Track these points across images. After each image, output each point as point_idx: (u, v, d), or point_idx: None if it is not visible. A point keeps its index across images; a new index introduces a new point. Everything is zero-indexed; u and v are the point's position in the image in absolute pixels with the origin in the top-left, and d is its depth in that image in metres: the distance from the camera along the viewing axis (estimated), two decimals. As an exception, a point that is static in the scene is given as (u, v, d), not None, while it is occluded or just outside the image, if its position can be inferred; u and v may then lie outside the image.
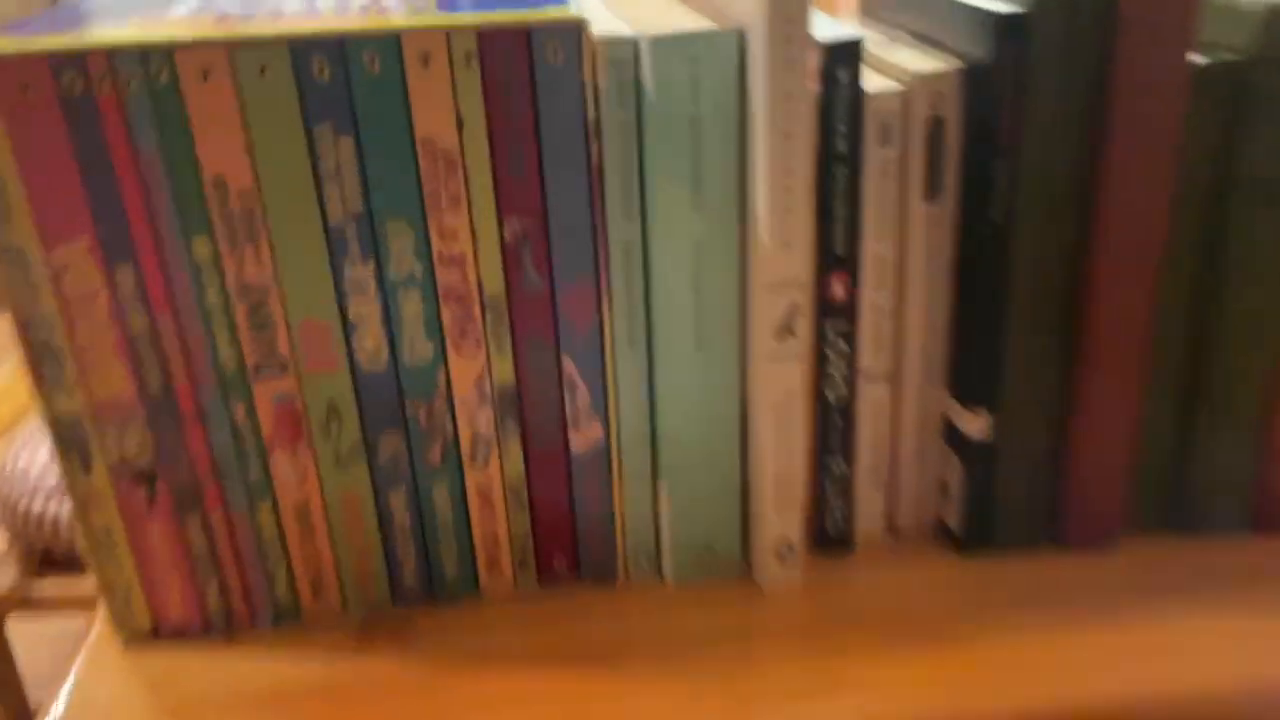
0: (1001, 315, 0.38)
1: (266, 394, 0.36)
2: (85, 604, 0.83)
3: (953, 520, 0.42)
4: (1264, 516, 0.42)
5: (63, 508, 0.83)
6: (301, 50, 0.32)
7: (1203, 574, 0.41)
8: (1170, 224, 0.37)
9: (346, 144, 0.33)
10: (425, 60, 0.32)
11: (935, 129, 0.36)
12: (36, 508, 0.84)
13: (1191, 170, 0.36)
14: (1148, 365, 0.39)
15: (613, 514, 0.40)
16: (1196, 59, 0.35)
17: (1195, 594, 0.40)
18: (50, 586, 0.83)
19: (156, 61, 0.31)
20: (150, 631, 0.39)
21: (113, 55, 0.31)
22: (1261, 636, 0.38)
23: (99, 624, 0.41)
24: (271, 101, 0.32)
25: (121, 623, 0.39)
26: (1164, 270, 0.38)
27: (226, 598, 0.39)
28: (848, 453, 0.41)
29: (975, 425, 0.40)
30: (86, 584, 0.83)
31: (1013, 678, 0.37)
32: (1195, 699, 0.37)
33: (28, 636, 1.40)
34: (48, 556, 0.86)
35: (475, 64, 0.33)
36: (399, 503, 0.38)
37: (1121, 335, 0.38)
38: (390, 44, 0.32)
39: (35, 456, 0.88)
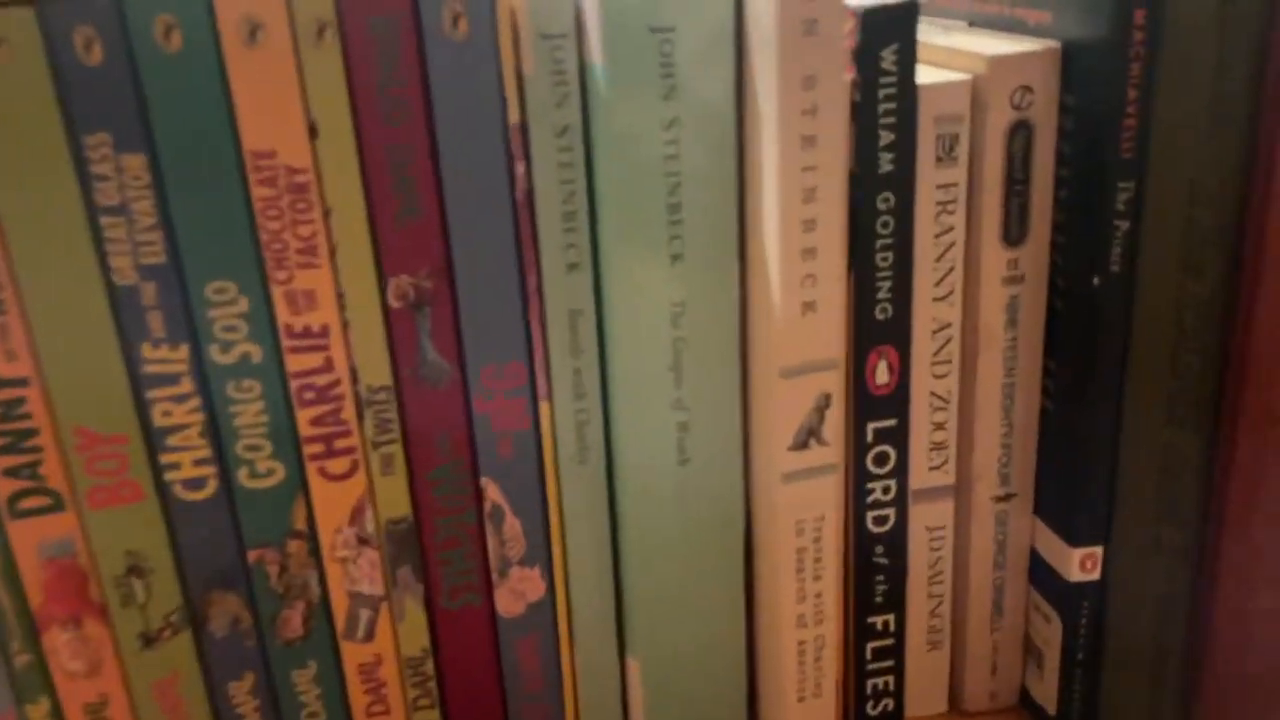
0: (1118, 407, 0.26)
1: (31, 542, 0.24)
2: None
3: (1044, 695, 0.30)
4: None
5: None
6: (56, 16, 0.21)
7: None
8: (1358, 273, 0.25)
9: (135, 163, 0.22)
10: (253, 34, 0.21)
11: (1020, 138, 0.25)
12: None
13: (1388, 195, 0.25)
14: (1327, 475, 0.27)
15: (562, 701, 0.28)
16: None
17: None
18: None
19: None
20: None
21: None
22: None
23: None
24: (16, 98, 0.21)
25: None
26: (1346, 339, 0.26)
27: (-5, 835, 0.27)
28: (897, 605, 0.29)
29: (1079, 564, 0.28)
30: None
31: None
32: None
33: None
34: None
35: (333, 38, 0.21)
36: (243, 695, 0.26)
37: (1293, 434, 0.26)
38: (197, 9, 0.21)
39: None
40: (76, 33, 0.21)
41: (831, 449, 0.25)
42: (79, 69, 0.21)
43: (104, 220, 0.22)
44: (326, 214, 0.23)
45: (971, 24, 0.30)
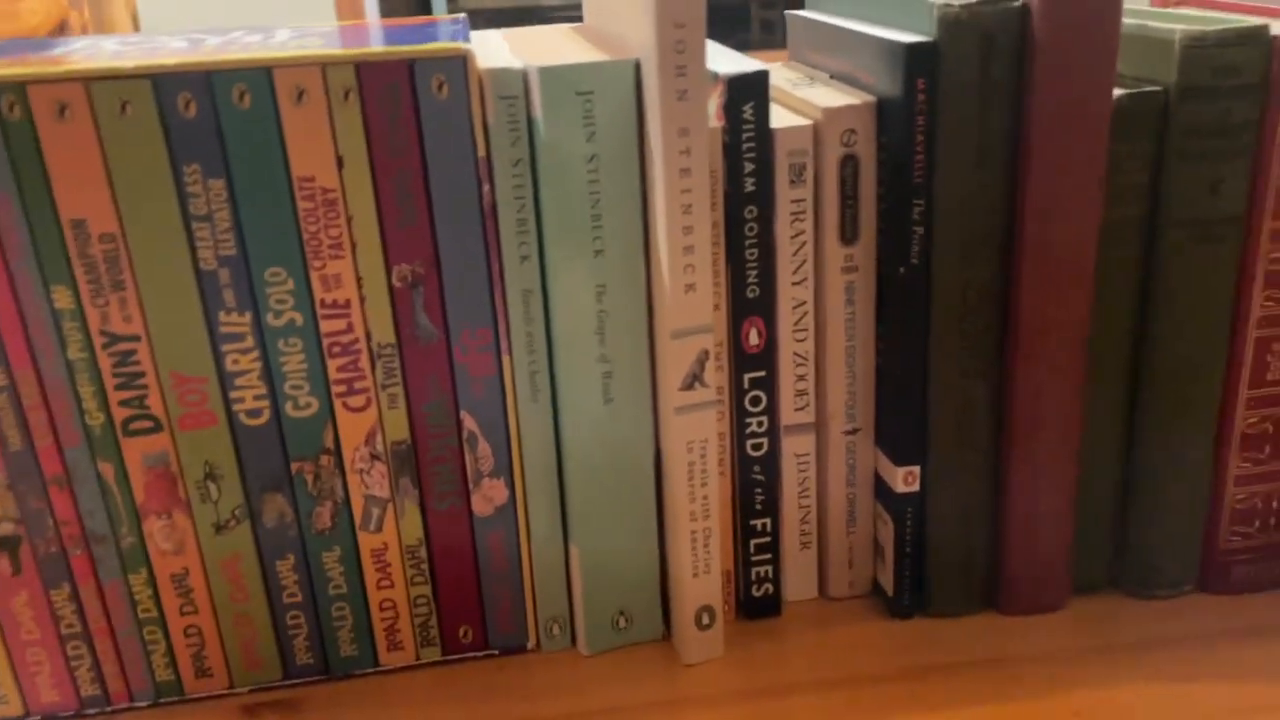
0: (926, 362, 0.36)
1: (137, 454, 0.33)
2: None
3: (886, 582, 0.39)
4: (1211, 573, 0.39)
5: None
6: (165, 85, 0.30)
7: (1150, 637, 0.38)
8: (1101, 261, 0.35)
9: (217, 185, 0.31)
10: (300, 96, 0.31)
11: (849, 166, 0.35)
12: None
13: (1123, 205, 0.35)
14: (1082, 413, 0.37)
15: (521, 580, 0.37)
16: (1116, 91, 0.34)
17: (1142, 657, 0.37)
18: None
19: (8, 97, 0.29)
20: (20, 715, 0.36)
21: (-39, 92, 0.29)
22: (1212, 701, 0.35)
23: (-35, 706, 0.38)
24: (134, 140, 0.30)
25: (-13, 705, 0.36)
26: (1099, 309, 0.36)
27: (101, 676, 0.36)
28: (772, 511, 0.38)
29: (904, 480, 0.37)
30: None
31: (948, 754, 0.34)
32: (1147, 774, 0.34)
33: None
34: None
35: (354, 99, 0.31)
36: (287, 571, 0.36)
37: (1055, 380, 0.36)
38: (261, 78, 0.30)
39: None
40: (179, 96, 0.30)
41: (710, 390, 0.34)
42: (180, 120, 0.30)
43: (194, 225, 0.31)
44: (349, 220, 0.32)
45: (832, 77, 0.39)
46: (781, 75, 0.41)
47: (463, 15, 0.41)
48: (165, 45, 0.34)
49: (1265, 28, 0.33)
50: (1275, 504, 0.39)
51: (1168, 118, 0.34)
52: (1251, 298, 0.36)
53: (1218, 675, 0.37)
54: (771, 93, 0.39)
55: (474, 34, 0.42)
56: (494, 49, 0.37)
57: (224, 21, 2.98)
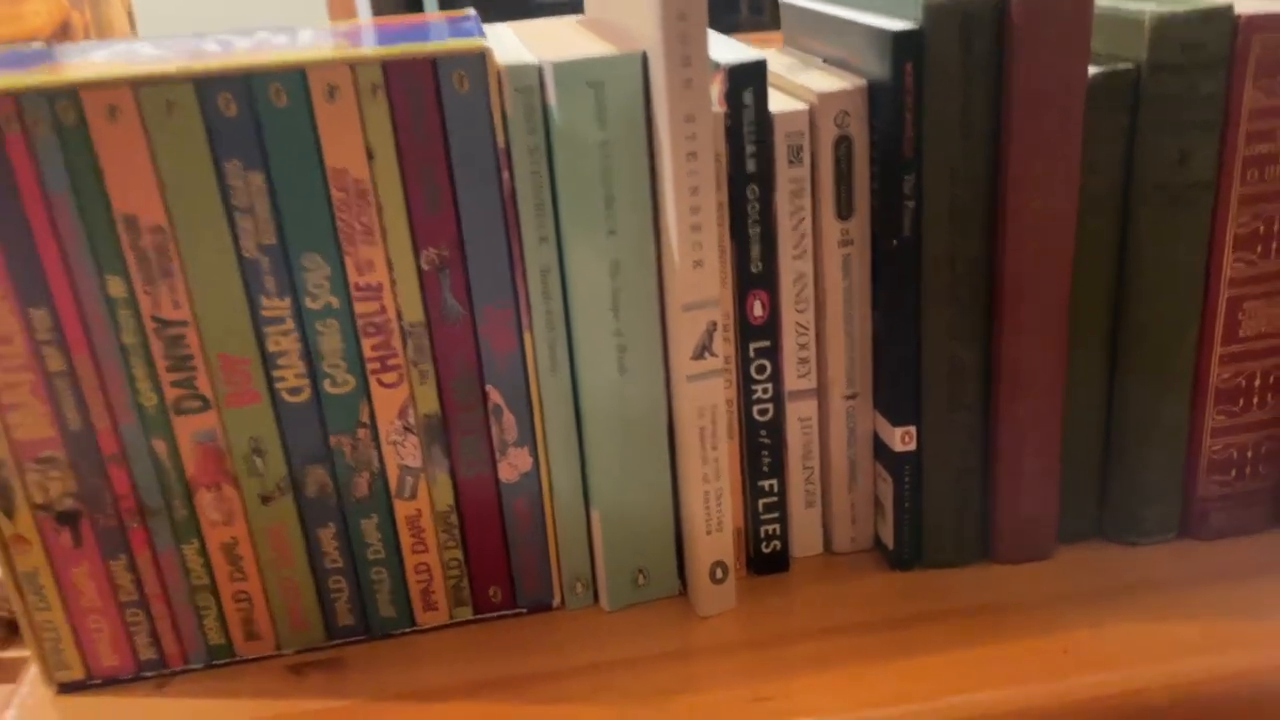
0: (918, 329, 0.38)
1: (188, 431, 0.36)
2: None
3: (887, 536, 0.42)
4: (1193, 520, 0.42)
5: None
6: (207, 86, 0.32)
7: (1134, 581, 0.41)
8: (1081, 229, 0.38)
9: (257, 178, 0.33)
10: (331, 93, 0.33)
11: (843, 147, 0.37)
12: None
13: (1100, 175, 0.37)
14: (1065, 374, 0.39)
15: (546, 542, 0.40)
16: (1091, 69, 0.36)
17: (1125, 600, 0.40)
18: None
19: (63, 102, 0.32)
20: (82, 678, 0.39)
21: (19, 98, 0.31)
22: (1191, 639, 0.38)
23: (30, 673, 0.40)
24: (180, 138, 0.33)
25: (52, 670, 0.39)
26: (1079, 275, 0.38)
27: (158, 640, 0.39)
28: (778, 472, 0.41)
29: (901, 440, 0.40)
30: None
31: (943, 688, 0.37)
32: (1126, 701, 0.37)
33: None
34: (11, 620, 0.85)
35: (382, 95, 0.33)
36: (328, 538, 0.38)
37: (1039, 344, 0.38)
38: (296, 78, 0.33)
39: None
40: (220, 96, 0.32)
41: (719, 359, 0.37)
42: (221, 118, 0.33)
43: (236, 216, 0.34)
44: (379, 209, 0.35)
45: (825, 61, 0.41)
46: (778, 60, 0.43)
47: (472, 11, 0.43)
48: (200, 48, 0.36)
49: (1229, 7, 0.35)
50: (1250, 454, 0.41)
51: (1139, 93, 0.36)
52: (1223, 259, 0.38)
53: (1195, 615, 0.39)
54: (769, 78, 0.41)
55: (485, 28, 0.44)
56: (507, 43, 0.39)
57: (218, 20, 2.99)
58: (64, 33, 1.15)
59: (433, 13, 0.43)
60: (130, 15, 1.22)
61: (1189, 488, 0.42)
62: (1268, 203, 0.37)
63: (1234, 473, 0.41)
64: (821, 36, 0.42)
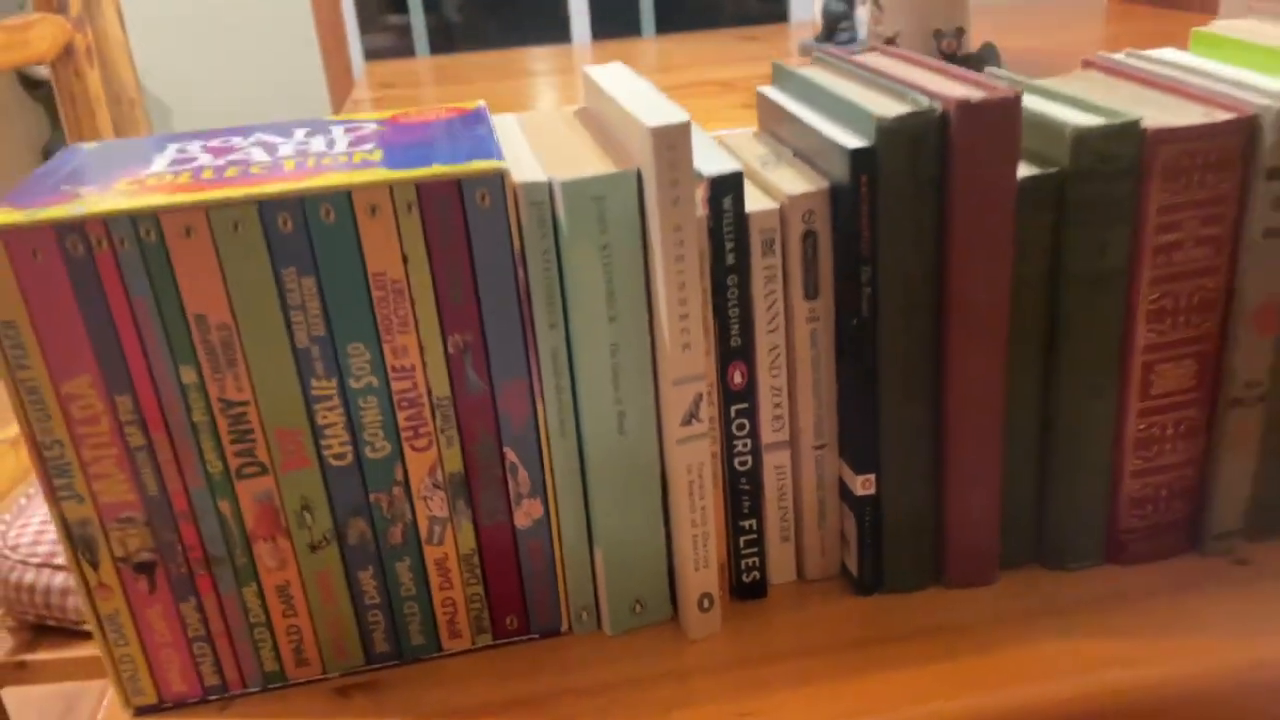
0: (876, 392, 0.44)
1: (248, 493, 0.42)
2: (78, 671, 0.87)
3: (852, 565, 0.48)
4: (1115, 548, 0.48)
5: (55, 578, 0.88)
6: (268, 208, 0.38)
7: (1065, 603, 0.47)
8: (1015, 308, 0.44)
9: (309, 282, 0.39)
10: (373, 210, 0.39)
11: (809, 240, 0.43)
12: (29, 578, 0.88)
13: (1030, 263, 0.43)
14: (1004, 427, 0.46)
15: (556, 577, 0.46)
16: (1025, 170, 0.42)
17: (1058, 621, 0.47)
18: (46, 655, 0.88)
19: (145, 224, 0.37)
20: (155, 703, 0.45)
21: (108, 221, 0.37)
22: (1116, 652, 0.44)
23: (108, 698, 0.46)
24: (244, 250, 0.38)
25: (130, 695, 0.44)
26: (1014, 344, 0.44)
27: (221, 668, 0.45)
28: (757, 513, 0.47)
29: (862, 485, 0.46)
30: (79, 652, 0.87)
31: (902, 698, 0.43)
32: (1057, 710, 0.43)
33: (16, 700, 1.43)
34: (41, 625, 0.91)
35: (415, 211, 0.39)
36: (368, 579, 0.44)
37: (979, 403, 0.44)
38: (343, 198, 0.38)
39: (27, 528, 0.92)
40: (279, 216, 0.38)
41: (705, 424, 0.43)
42: (279, 234, 0.38)
43: (291, 313, 0.39)
44: (413, 303, 0.40)
45: (795, 154, 0.47)
46: (753, 149, 0.49)
47: (483, 104, 0.48)
48: (246, 154, 0.42)
49: (1137, 122, 0.41)
50: (1164, 491, 0.48)
51: (1063, 194, 0.42)
52: (1136, 331, 0.44)
53: (1117, 632, 0.46)
54: (745, 165, 0.47)
55: (493, 118, 0.49)
56: (517, 146, 0.44)
57: (209, 38, 3.01)
58: (68, 55, 1.19)
59: (442, 109, 0.48)
60: (127, 43, 1.26)
61: (1112, 521, 0.48)
62: (1174, 283, 0.43)
63: (1150, 507, 0.48)
64: (792, 132, 0.47)
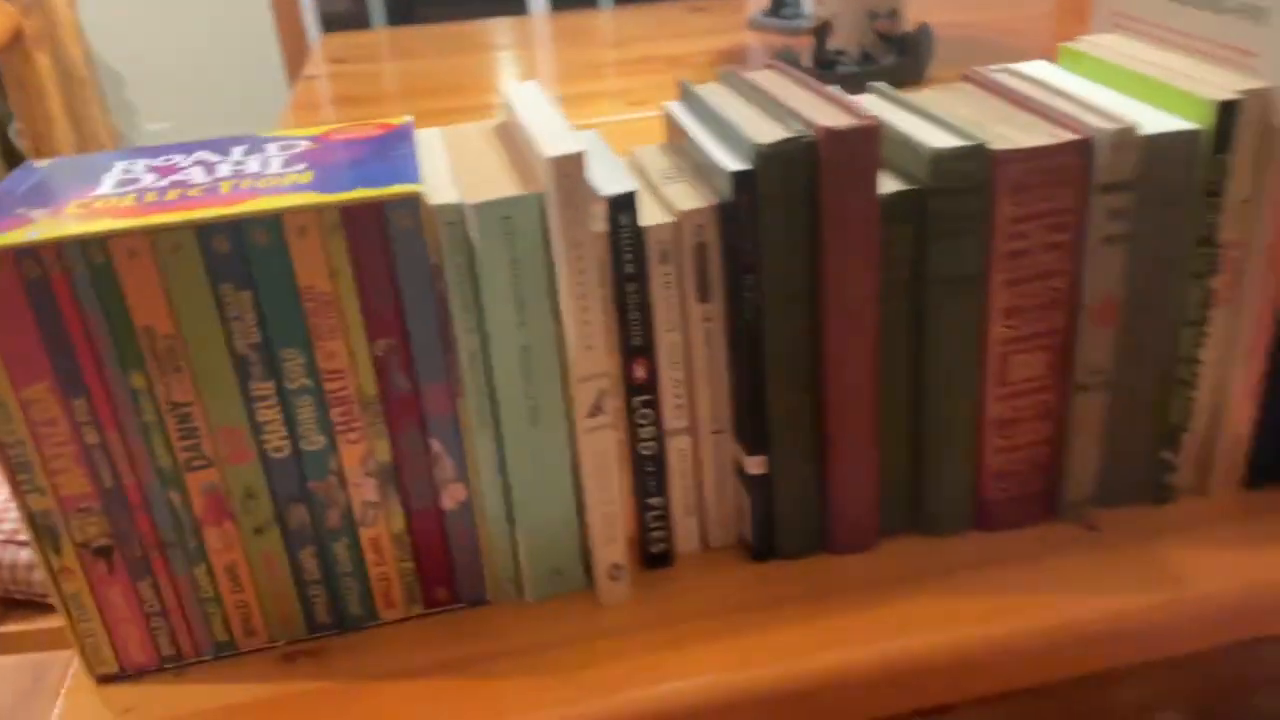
0: (763, 383, 0.50)
1: (196, 484, 0.46)
2: (45, 642, 0.91)
3: (748, 535, 0.54)
4: (982, 517, 0.54)
5: (20, 554, 0.92)
6: (205, 231, 0.42)
7: (937, 565, 0.54)
8: (885, 308, 0.49)
9: (245, 295, 0.43)
10: (302, 231, 0.43)
11: (701, 250, 0.48)
12: (-8, 557, 0.92)
13: (897, 269, 0.48)
14: (879, 412, 0.51)
15: (480, 553, 0.51)
16: (892, 186, 0.47)
17: (932, 581, 0.53)
18: (13, 627, 0.92)
19: (94, 248, 0.41)
20: (117, 671, 0.50)
21: (60, 246, 0.41)
22: (980, 609, 0.51)
23: (74, 667, 0.51)
24: (185, 269, 0.42)
25: (93, 665, 0.49)
26: (886, 340, 0.50)
27: (176, 639, 0.49)
28: (662, 491, 0.52)
29: (755, 465, 0.51)
30: (45, 624, 0.91)
31: (788, 652, 0.49)
32: (932, 662, 0.49)
33: (-16, 671, 1.47)
34: (8, 598, 0.95)
35: (341, 231, 0.43)
36: (308, 557, 0.49)
37: (856, 392, 0.50)
38: (274, 221, 0.42)
39: (-14, 509, 0.96)
40: (215, 238, 0.42)
41: (608, 415, 0.48)
42: (216, 254, 0.42)
43: (230, 323, 0.44)
44: (341, 312, 0.45)
45: (694, 169, 0.52)
46: (658, 162, 0.53)
47: (410, 119, 0.53)
48: (190, 179, 0.46)
49: (984, 145, 0.46)
50: (1023, 466, 0.53)
51: (924, 207, 0.47)
52: (993, 327, 0.50)
53: (980, 592, 0.52)
54: (648, 180, 0.52)
55: (418, 134, 0.54)
56: (436, 164, 0.49)
57: (163, 27, 2.97)
58: (16, 41, 1.20)
59: (372, 125, 0.52)
60: (77, 21, 1.26)
61: (978, 492, 0.54)
62: (1025, 284, 0.49)
63: (1011, 480, 0.54)
64: (691, 149, 0.52)
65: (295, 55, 3.12)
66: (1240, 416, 0.54)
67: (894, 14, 1.28)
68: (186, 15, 3.03)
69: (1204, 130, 0.47)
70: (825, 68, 1.24)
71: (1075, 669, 0.52)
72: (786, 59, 1.19)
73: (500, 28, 1.77)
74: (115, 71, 3.04)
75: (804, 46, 1.31)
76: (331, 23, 3.16)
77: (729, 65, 1.38)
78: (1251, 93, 0.47)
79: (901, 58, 1.26)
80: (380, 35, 1.78)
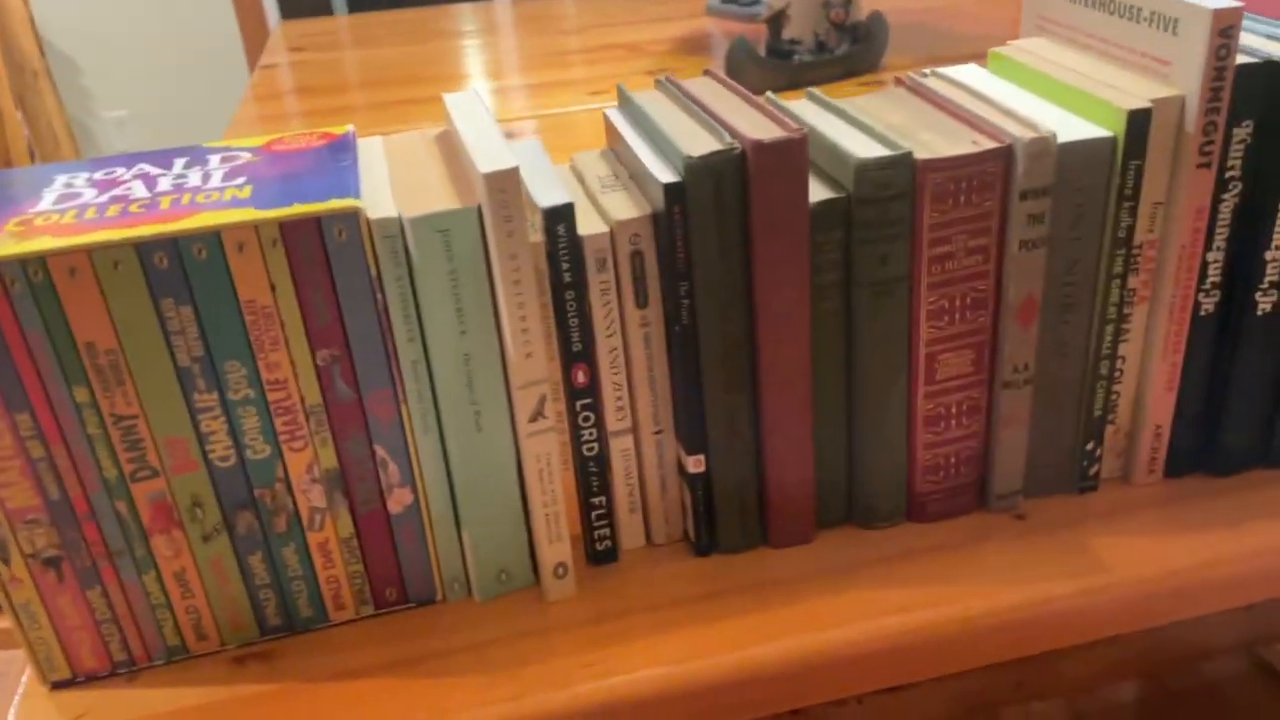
0: (701, 385, 0.51)
1: (143, 493, 0.47)
2: (5, 641, 0.92)
3: (691, 531, 0.56)
4: (914, 509, 0.56)
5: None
6: (145, 248, 0.43)
7: (872, 556, 0.55)
8: (816, 311, 0.51)
9: (186, 310, 0.44)
10: (240, 247, 0.44)
11: (637, 258, 0.49)
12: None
13: (826, 274, 0.50)
14: (813, 411, 0.53)
15: (428, 554, 0.53)
16: (820, 194, 0.49)
17: (867, 571, 0.55)
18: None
19: (33, 266, 0.42)
20: (69, 677, 0.50)
21: (0, 265, 0.42)
22: (913, 598, 0.53)
23: (28, 673, 0.52)
24: (125, 286, 0.43)
25: (46, 672, 0.50)
26: (818, 341, 0.51)
27: (127, 645, 0.50)
28: (606, 490, 0.54)
29: (694, 463, 0.53)
30: (2, 623, 0.91)
31: (728, 644, 0.51)
32: (867, 648, 0.51)
33: (-54, 670, 1.46)
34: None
35: (280, 246, 0.44)
36: (257, 562, 0.50)
37: (790, 392, 0.51)
38: (213, 238, 0.43)
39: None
40: (155, 255, 0.43)
41: (550, 420, 0.49)
42: (157, 270, 0.43)
43: (172, 337, 0.45)
44: (283, 325, 0.46)
45: (631, 176, 0.53)
46: (596, 169, 0.55)
47: (351, 129, 0.53)
48: (130, 194, 0.46)
49: (909, 154, 0.48)
50: (953, 460, 0.55)
51: (850, 215, 0.49)
52: (920, 327, 0.52)
53: (914, 580, 0.54)
54: (587, 188, 0.53)
55: (360, 143, 0.54)
56: (376, 176, 0.50)
57: (119, 12, 2.93)
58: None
59: (314, 135, 0.53)
60: (29, 13, 1.24)
61: (911, 486, 0.56)
62: (949, 287, 0.51)
63: (942, 474, 0.56)
64: (627, 157, 0.53)
65: (256, 39, 3.08)
66: (1160, 408, 0.56)
67: (848, 2, 1.29)
68: (143, 3, 2.98)
69: (1118, 137, 0.49)
70: (781, 57, 1.25)
71: (1004, 654, 0.54)
72: (742, 49, 1.20)
73: (463, 13, 1.77)
74: (70, 59, 2.99)
75: (761, 34, 1.32)
76: (291, 7, 3.12)
77: (690, 53, 1.39)
78: (1163, 101, 0.49)
79: (855, 46, 1.28)
80: (341, 21, 1.77)
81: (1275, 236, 0.53)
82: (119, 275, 0.43)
